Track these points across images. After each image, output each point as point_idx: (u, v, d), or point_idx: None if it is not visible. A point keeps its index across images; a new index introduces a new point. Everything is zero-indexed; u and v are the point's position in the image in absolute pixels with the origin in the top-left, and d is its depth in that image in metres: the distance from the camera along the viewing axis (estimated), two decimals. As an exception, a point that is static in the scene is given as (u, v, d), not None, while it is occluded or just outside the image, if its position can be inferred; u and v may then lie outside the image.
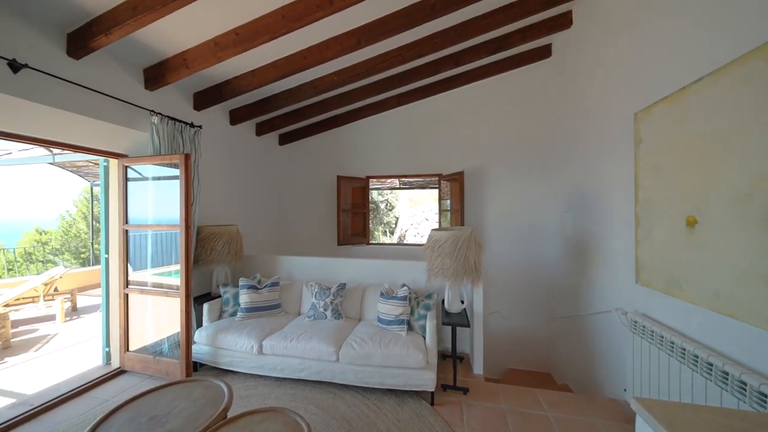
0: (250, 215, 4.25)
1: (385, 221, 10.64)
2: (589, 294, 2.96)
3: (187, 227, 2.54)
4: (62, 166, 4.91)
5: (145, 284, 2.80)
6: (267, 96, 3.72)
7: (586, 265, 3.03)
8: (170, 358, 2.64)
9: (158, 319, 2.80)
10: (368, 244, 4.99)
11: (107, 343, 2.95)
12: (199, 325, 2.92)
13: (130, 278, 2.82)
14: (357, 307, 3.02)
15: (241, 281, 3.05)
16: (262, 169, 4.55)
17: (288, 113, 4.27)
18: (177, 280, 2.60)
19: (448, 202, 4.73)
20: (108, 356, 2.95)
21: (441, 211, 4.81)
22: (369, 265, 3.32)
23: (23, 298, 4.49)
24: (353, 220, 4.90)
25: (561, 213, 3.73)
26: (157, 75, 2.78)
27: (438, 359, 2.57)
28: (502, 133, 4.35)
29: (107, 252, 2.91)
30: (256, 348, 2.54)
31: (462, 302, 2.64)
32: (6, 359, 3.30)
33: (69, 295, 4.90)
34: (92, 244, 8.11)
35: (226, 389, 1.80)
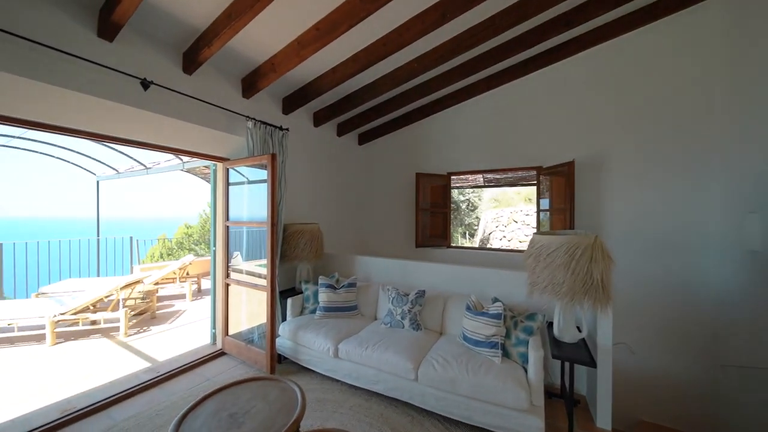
0: (330, 214, 4.34)
1: (466, 222, 9.85)
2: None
3: (273, 224, 2.63)
4: (192, 172, 6.01)
5: (240, 272, 3.06)
6: (347, 94, 3.70)
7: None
8: (258, 348, 2.78)
9: (251, 308, 3.02)
10: (449, 247, 4.55)
11: (213, 325, 3.34)
12: (284, 318, 3.03)
13: (229, 270, 3.13)
14: (437, 318, 2.67)
15: (320, 279, 3.05)
16: (342, 169, 4.61)
17: (367, 111, 4.20)
18: (265, 277, 2.74)
19: (548, 200, 3.91)
20: (214, 337, 3.34)
21: (539, 212, 4.01)
22: (452, 271, 2.92)
23: (166, 279, 5.63)
24: (432, 220, 4.54)
25: (740, 214, 2.59)
26: (251, 82, 3.00)
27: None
28: (633, 106, 3.33)
29: (215, 245, 3.30)
30: (332, 350, 2.45)
31: (579, 330, 2.01)
32: (151, 328, 4.11)
33: (196, 279, 5.96)
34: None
35: (299, 397, 1.70)
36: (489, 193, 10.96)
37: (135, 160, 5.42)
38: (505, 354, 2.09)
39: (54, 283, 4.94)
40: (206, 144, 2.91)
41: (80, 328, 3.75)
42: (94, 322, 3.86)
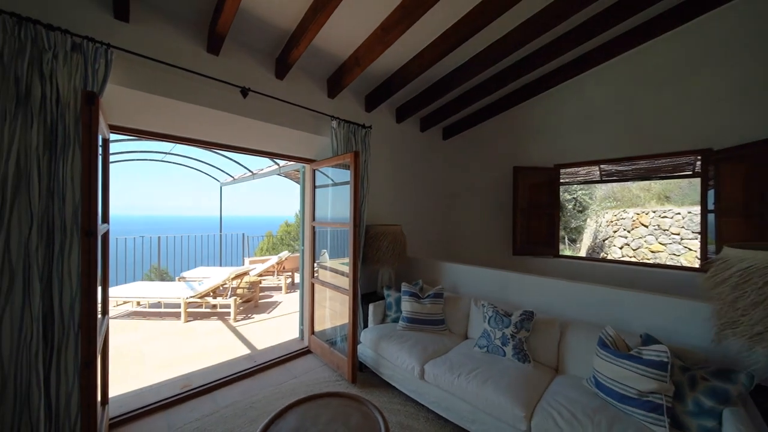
0: (412, 216, 4.06)
1: (572, 226, 8.19)
2: None
3: (356, 225, 2.49)
4: (288, 176, 6.66)
5: (326, 269, 3.06)
6: (432, 83, 3.35)
7: None
8: (341, 354, 2.70)
9: (334, 307, 2.98)
10: (556, 256, 3.73)
11: (302, 322, 3.46)
12: (365, 325, 2.89)
13: (315, 269, 3.16)
14: (551, 350, 2.08)
15: (403, 287, 2.80)
16: (425, 167, 4.29)
17: (453, 101, 3.77)
18: (347, 276, 2.64)
19: (711, 198, 2.76)
20: (302, 333, 3.45)
21: (706, 213, 2.87)
22: (570, 289, 2.27)
23: (267, 271, 6.33)
24: (535, 223, 3.78)
25: None
26: (335, 81, 2.96)
27: None
28: None
29: (303, 245, 3.41)
30: (417, 370, 2.15)
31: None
32: (254, 316, 4.60)
33: (290, 273, 6.54)
34: (307, 235, 10.87)
35: (383, 429, 1.45)
36: (603, 190, 8.86)
37: (245, 167, 6.26)
38: (676, 425, 1.41)
39: (191, 270, 6.09)
40: (295, 146, 2.99)
41: (203, 310, 4.45)
42: (213, 306, 4.53)
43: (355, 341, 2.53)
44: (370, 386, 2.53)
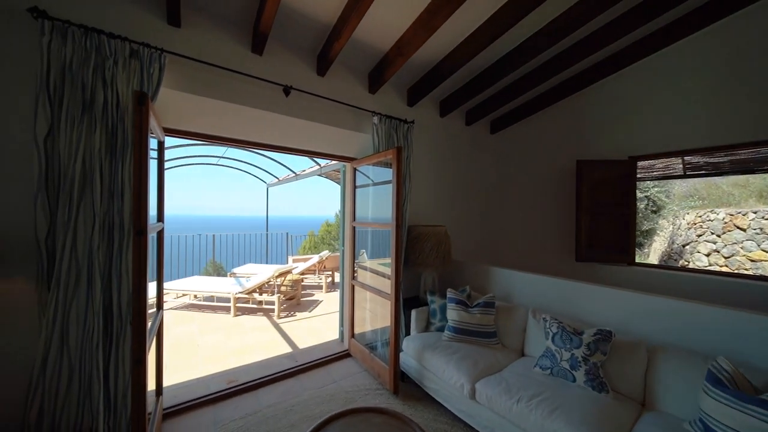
0: (457, 216, 3.80)
1: (643, 228, 7.10)
2: None
3: (398, 226, 2.33)
4: (329, 177, 6.76)
5: (365, 268, 2.96)
6: (480, 72, 3.07)
7: None
8: (382, 361, 2.56)
9: (375, 309, 2.86)
10: (632, 264, 3.20)
11: (342, 323, 3.40)
12: (407, 332, 2.72)
13: (355, 270, 3.07)
14: (637, 380, 1.72)
15: (449, 293, 2.57)
16: (471, 163, 3.99)
17: (504, 89, 3.43)
18: (389, 280, 2.50)
19: None
20: (342, 335, 3.39)
21: None
22: (657, 306, 1.87)
23: (309, 270, 6.46)
24: (602, 225, 3.29)
25: None
26: (377, 75, 2.83)
27: None
28: None
29: (343, 245, 3.35)
30: (467, 389, 1.92)
31: None
32: (296, 313, 4.69)
33: (330, 272, 6.62)
34: (347, 234, 11.02)
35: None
36: (683, 186, 7.51)
37: (288, 168, 6.47)
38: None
39: (240, 266, 6.45)
40: (336, 145, 2.93)
41: (250, 305, 4.65)
42: (259, 303, 4.71)
43: (398, 350, 2.37)
44: (413, 399, 2.35)
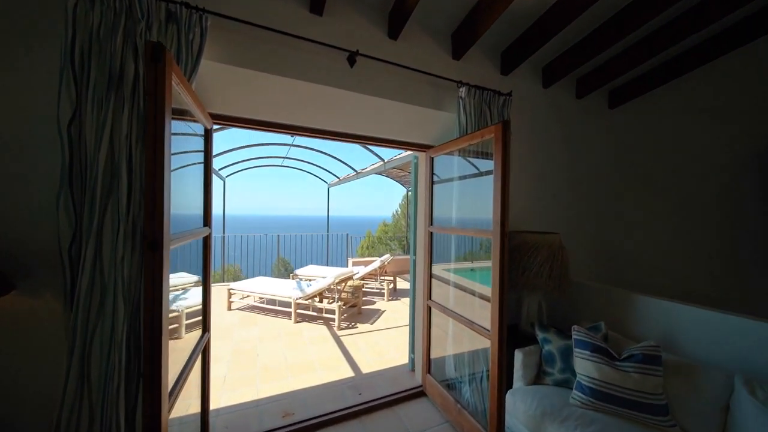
0: (564, 221, 2.87)
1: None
2: None
3: (504, 234, 1.62)
4: (388, 175, 6.27)
5: (446, 281, 2.29)
6: (599, 24, 2.17)
7: None
8: (473, 418, 1.87)
9: (459, 337, 2.18)
10: None
11: (412, 349, 2.80)
12: (509, 379, 1.97)
13: (432, 283, 2.43)
14: None
15: (577, 333, 1.76)
16: (582, 148, 3.01)
17: (631, 47, 2.43)
18: (479, 300, 1.80)
19: None
20: (412, 363, 2.79)
21: None
22: None
23: (369, 275, 6.04)
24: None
25: None
26: (463, 34, 2.16)
27: None
28: None
29: (414, 253, 2.74)
30: None
31: None
32: (357, 325, 4.25)
33: (392, 278, 6.10)
34: (407, 236, 10.41)
35: None
36: None
37: (349, 166, 6.14)
38: None
39: (302, 268, 6.36)
40: (408, 129, 2.33)
41: (310, 312, 4.37)
42: (319, 310, 4.40)
43: (502, 418, 1.64)
44: (526, 488, 1.62)
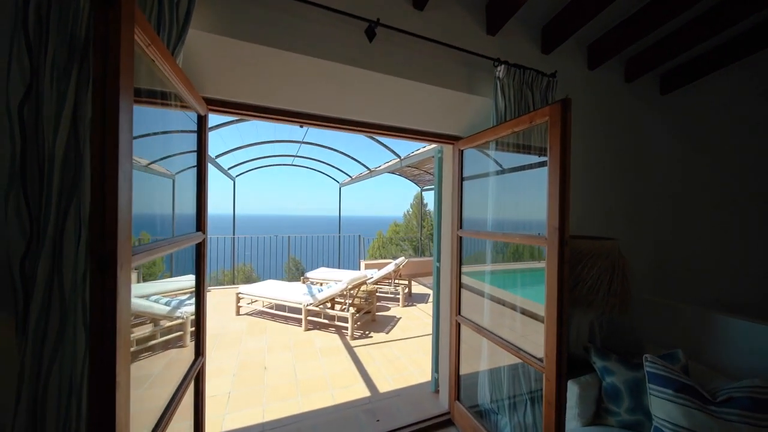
0: (624, 223, 2.48)
1: None
2: None
3: (562, 242, 1.28)
4: (402, 173, 5.96)
5: (480, 293, 1.96)
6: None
7: None
8: (518, 465, 1.54)
9: (493, 356, 1.86)
10: None
11: (436, 368, 2.48)
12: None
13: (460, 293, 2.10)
14: None
15: (651, 364, 1.40)
16: (632, 138, 2.61)
17: (695, 20, 2.04)
18: (518, 315, 1.47)
19: None
20: (436, 384, 2.48)
21: None
22: None
23: (383, 279, 5.74)
24: None
25: None
26: (501, 3, 1.82)
27: None
28: None
29: (438, 260, 2.42)
30: None
31: None
32: (372, 334, 3.95)
33: (407, 282, 5.78)
34: (420, 237, 10.05)
35: None
36: None
37: (361, 164, 5.86)
38: None
39: (313, 270, 6.11)
40: (433, 118, 2.00)
41: (321, 320, 4.10)
42: (331, 317, 4.13)
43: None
44: None
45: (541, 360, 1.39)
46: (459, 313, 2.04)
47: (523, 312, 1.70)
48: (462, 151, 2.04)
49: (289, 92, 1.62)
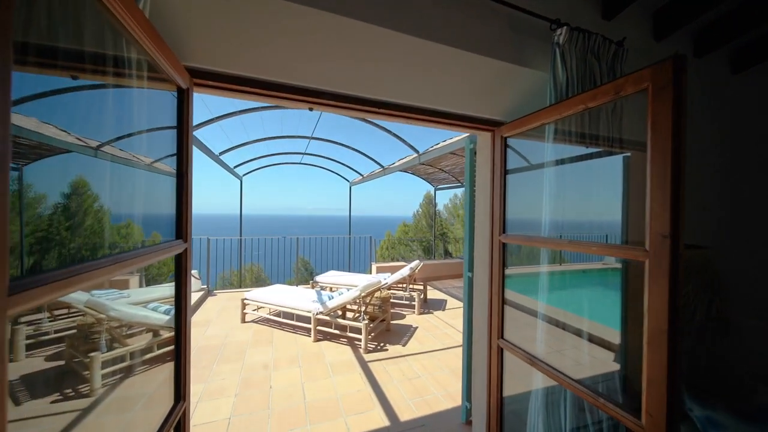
0: (714, 228, 2.06)
1: None
2: None
3: (677, 255, 0.91)
4: (414, 172, 5.60)
5: (534, 314, 1.59)
6: None
7: None
8: None
9: (554, 404, 1.49)
10: None
11: (467, 396, 2.12)
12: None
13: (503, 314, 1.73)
14: None
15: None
16: (703, 125, 2.19)
17: None
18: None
19: None
20: (467, 414, 2.12)
21: None
22: None
23: (397, 284, 5.38)
24: None
25: None
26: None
27: None
28: None
29: (470, 269, 2.05)
30: None
31: None
32: (387, 347, 3.61)
33: (422, 286, 5.41)
34: (433, 237, 9.65)
35: None
36: None
37: (374, 161, 5.51)
38: None
39: (323, 274, 5.80)
40: (467, 97, 1.64)
41: (332, 330, 3.78)
42: (342, 327, 3.80)
43: None
44: None
45: (637, 417, 1.01)
46: (501, 337, 1.67)
47: (591, 339, 1.32)
48: (505, 138, 1.67)
49: (296, 62, 1.28)
